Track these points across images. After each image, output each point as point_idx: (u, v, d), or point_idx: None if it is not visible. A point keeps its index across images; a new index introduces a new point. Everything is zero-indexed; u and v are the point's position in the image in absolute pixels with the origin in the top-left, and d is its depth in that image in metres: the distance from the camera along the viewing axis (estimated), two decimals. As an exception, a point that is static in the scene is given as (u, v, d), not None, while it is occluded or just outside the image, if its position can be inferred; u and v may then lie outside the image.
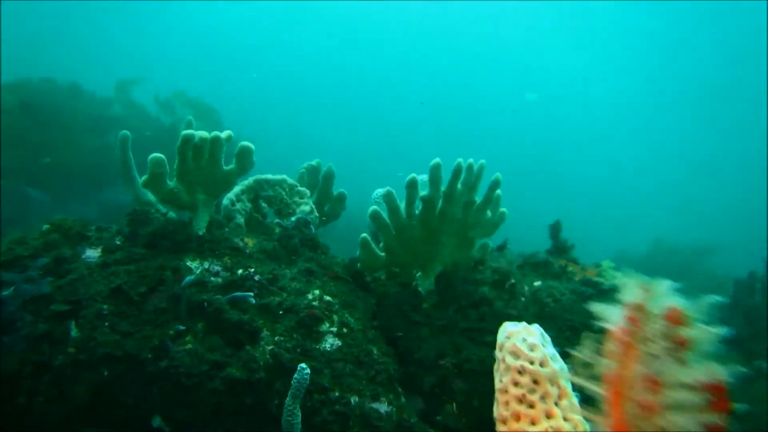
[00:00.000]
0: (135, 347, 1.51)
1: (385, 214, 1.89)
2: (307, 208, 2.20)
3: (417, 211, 1.89)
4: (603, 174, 20.81)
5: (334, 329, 1.68)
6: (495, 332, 1.87)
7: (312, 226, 2.10)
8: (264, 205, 2.25)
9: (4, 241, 1.88)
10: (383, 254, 1.94)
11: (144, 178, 1.77)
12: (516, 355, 0.92)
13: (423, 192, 1.85)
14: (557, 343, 1.91)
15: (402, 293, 1.99)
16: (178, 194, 1.80)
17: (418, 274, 2.02)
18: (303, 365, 1.44)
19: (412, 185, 1.83)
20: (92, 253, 1.80)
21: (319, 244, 2.09)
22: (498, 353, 0.95)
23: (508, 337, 0.94)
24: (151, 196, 1.91)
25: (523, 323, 0.96)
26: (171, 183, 1.78)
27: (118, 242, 1.84)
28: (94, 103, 6.35)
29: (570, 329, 1.97)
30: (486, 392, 1.75)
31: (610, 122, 22.25)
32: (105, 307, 1.59)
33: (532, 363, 0.91)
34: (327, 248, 2.14)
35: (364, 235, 1.90)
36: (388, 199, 1.84)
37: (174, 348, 1.52)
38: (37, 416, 1.50)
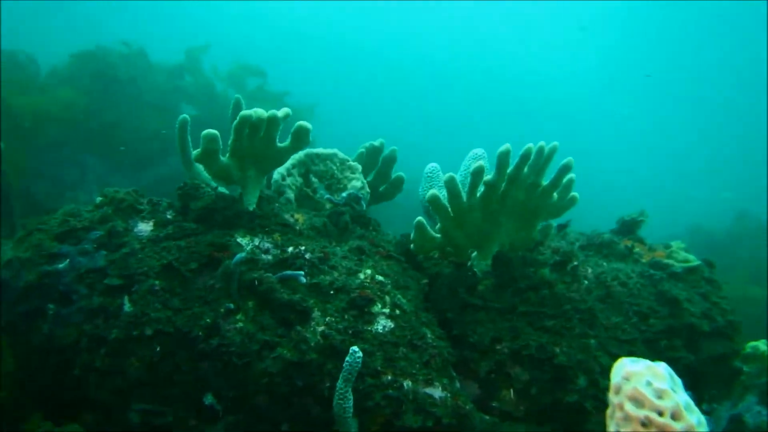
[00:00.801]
0: (186, 324, 1.49)
1: (443, 197, 1.79)
2: (358, 183, 2.12)
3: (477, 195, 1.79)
4: (674, 143, 19.80)
5: (387, 311, 1.62)
6: (556, 317, 1.78)
7: (363, 202, 2.03)
8: (314, 179, 2.19)
9: (59, 211, 1.90)
10: (438, 236, 1.85)
11: (196, 152, 1.74)
12: (639, 402, 0.76)
13: (487, 176, 1.74)
14: (625, 330, 1.79)
15: (456, 274, 1.90)
16: (229, 170, 1.76)
17: (474, 254, 1.92)
18: (355, 348, 1.38)
19: (478, 173, 1.72)
20: (144, 227, 1.78)
21: (371, 220, 2.02)
22: (613, 397, 0.80)
23: (626, 379, 0.79)
24: (205, 176, 1.88)
25: (646, 361, 0.78)
26: (223, 158, 1.74)
27: (169, 216, 1.82)
28: (166, 73, 6.31)
29: (637, 315, 1.85)
30: (545, 380, 1.67)
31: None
32: (157, 282, 1.57)
33: (660, 414, 0.74)
34: (378, 225, 2.07)
35: (419, 218, 1.82)
36: (450, 185, 1.74)
37: (225, 326, 1.49)
38: (92, 389, 1.52)
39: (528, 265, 1.89)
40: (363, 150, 2.53)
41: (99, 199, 1.88)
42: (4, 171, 2.51)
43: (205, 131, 1.69)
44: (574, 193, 1.86)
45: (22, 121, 5.19)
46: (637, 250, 2.13)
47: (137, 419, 1.47)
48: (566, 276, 1.89)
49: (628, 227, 2.28)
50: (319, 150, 2.20)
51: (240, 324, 1.50)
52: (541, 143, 1.73)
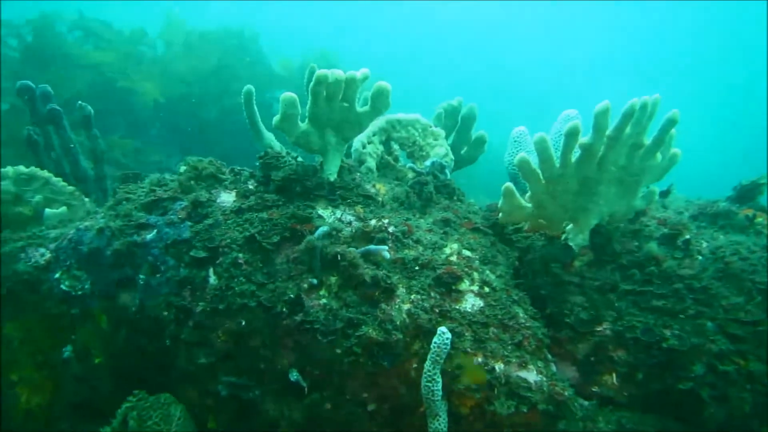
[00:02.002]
0: (270, 299, 1.46)
1: (534, 162, 1.63)
2: (442, 150, 2.00)
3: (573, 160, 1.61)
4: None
5: (475, 288, 1.52)
6: (666, 296, 1.60)
7: (447, 171, 1.90)
8: (396, 147, 2.09)
9: (146, 180, 1.93)
10: (529, 205, 1.70)
11: (276, 118, 1.68)
12: None
13: (583, 138, 1.57)
14: (748, 312, 1.59)
15: (550, 248, 1.75)
16: (309, 136, 1.69)
17: (569, 226, 1.76)
18: (443, 329, 1.30)
19: (573, 133, 1.54)
20: (227, 198, 1.77)
21: (455, 190, 1.90)
22: None
23: None
24: (276, 146, 1.83)
25: None
26: (303, 125, 1.67)
27: (251, 186, 1.79)
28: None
29: (762, 294, 1.63)
30: (653, 365, 1.52)
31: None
32: (240, 255, 1.55)
33: None
34: (463, 194, 1.94)
35: (508, 184, 1.67)
36: (541, 147, 1.57)
37: (308, 302, 1.45)
38: (182, 359, 1.54)
39: (631, 239, 1.71)
40: (441, 111, 2.38)
41: (183, 167, 1.88)
42: (95, 134, 2.59)
43: (284, 95, 1.63)
44: (675, 149, 1.66)
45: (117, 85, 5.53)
46: (759, 220, 1.88)
47: (225, 392, 1.48)
48: (677, 251, 1.69)
49: (747, 193, 2.01)
50: (401, 115, 2.09)
51: (323, 300, 1.45)
52: (645, 97, 1.53)
